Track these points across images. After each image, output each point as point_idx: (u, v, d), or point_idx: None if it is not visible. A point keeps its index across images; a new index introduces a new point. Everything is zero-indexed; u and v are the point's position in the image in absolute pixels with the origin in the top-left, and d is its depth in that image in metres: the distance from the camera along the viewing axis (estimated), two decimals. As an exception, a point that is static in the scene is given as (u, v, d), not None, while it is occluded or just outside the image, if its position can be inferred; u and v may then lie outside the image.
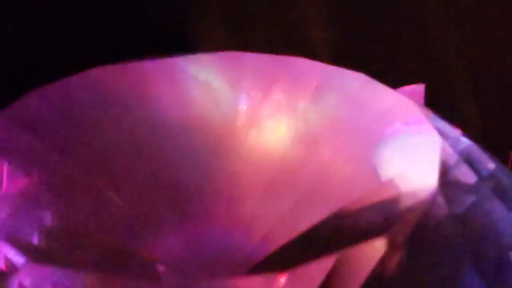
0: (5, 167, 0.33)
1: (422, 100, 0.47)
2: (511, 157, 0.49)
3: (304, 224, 0.32)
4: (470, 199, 0.32)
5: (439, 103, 0.49)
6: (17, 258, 0.31)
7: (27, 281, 0.31)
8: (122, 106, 0.35)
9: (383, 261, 0.30)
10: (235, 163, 0.35)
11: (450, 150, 0.33)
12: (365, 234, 0.31)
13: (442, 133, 0.34)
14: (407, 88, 0.46)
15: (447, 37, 0.50)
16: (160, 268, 0.31)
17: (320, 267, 0.30)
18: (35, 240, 0.32)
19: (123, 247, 0.32)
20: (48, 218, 0.32)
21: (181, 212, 0.33)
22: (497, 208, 0.32)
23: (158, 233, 0.33)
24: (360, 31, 0.50)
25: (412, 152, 0.33)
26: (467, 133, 0.48)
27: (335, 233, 0.32)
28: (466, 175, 0.33)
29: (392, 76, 0.49)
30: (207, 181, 0.34)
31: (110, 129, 0.35)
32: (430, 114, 0.36)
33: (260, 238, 0.33)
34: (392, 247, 0.31)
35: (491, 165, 0.34)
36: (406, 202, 0.32)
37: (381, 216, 0.31)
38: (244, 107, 0.37)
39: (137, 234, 0.33)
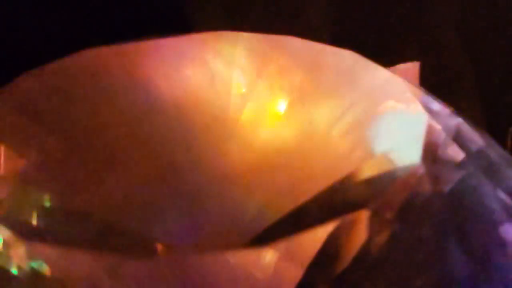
0: (2, 149, 0.33)
1: (416, 78, 0.47)
2: (510, 133, 0.49)
3: (298, 199, 0.33)
4: (456, 176, 0.33)
5: (436, 82, 0.49)
6: (15, 238, 0.32)
7: (25, 261, 0.31)
8: (116, 86, 0.36)
9: (371, 236, 0.31)
10: (229, 141, 0.36)
11: (437, 128, 0.34)
12: (354, 209, 0.31)
13: (431, 111, 0.35)
14: (402, 66, 0.46)
15: (444, 15, 0.50)
16: (158, 246, 0.32)
17: (311, 241, 0.31)
18: (33, 220, 0.32)
19: (120, 226, 0.33)
20: (45, 199, 0.33)
21: (176, 191, 0.34)
22: (484, 184, 0.33)
23: (154, 212, 0.33)
24: (356, 11, 0.50)
25: (399, 130, 0.34)
26: (465, 111, 0.48)
27: (326, 208, 0.32)
28: (454, 152, 0.34)
29: (389, 55, 0.49)
30: (201, 160, 0.35)
31: (105, 110, 0.35)
32: (421, 92, 0.36)
33: (254, 214, 0.33)
34: (380, 222, 0.31)
35: (480, 141, 0.35)
36: (393, 179, 0.32)
37: (370, 192, 0.32)
38: (238, 85, 0.37)
39: (133, 213, 0.33)
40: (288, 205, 0.33)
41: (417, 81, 0.47)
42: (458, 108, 0.46)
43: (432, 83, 0.47)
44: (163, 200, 0.34)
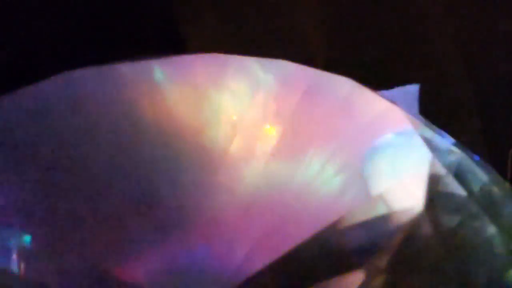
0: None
1: (416, 101, 0.45)
2: (510, 156, 0.47)
3: (289, 242, 0.31)
4: (457, 218, 0.31)
5: (436, 103, 0.48)
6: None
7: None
8: (97, 114, 0.34)
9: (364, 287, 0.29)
10: (217, 174, 0.34)
11: (439, 165, 0.32)
12: (348, 257, 0.29)
13: (432, 145, 0.33)
14: (401, 89, 0.44)
15: (444, 36, 0.49)
16: None
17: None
18: (7, 261, 0.30)
19: (99, 268, 0.31)
20: (21, 239, 0.31)
21: (159, 229, 0.32)
22: (487, 226, 0.31)
23: (135, 252, 0.31)
24: (354, 30, 0.48)
25: (400, 167, 0.32)
26: (466, 133, 0.47)
27: (319, 256, 0.30)
28: (455, 191, 0.32)
29: (387, 77, 0.48)
30: (186, 194, 0.33)
31: (86, 140, 0.33)
32: (421, 122, 0.34)
33: (242, 257, 0.31)
34: (374, 272, 0.29)
35: (483, 177, 0.33)
36: (391, 223, 0.30)
37: (366, 237, 0.30)
38: (228, 112, 0.35)
39: (114, 253, 0.31)
40: (277, 250, 0.31)
41: (416, 104, 0.45)
42: (458, 130, 0.45)
43: (432, 105, 0.46)
44: (145, 239, 0.32)
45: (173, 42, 0.46)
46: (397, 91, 0.45)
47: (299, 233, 0.31)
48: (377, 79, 0.44)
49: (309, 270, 0.30)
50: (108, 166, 0.33)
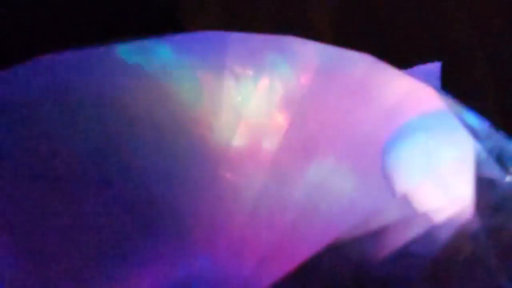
0: None
1: (438, 80, 0.42)
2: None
3: (302, 250, 0.26)
4: (505, 209, 0.26)
5: (451, 86, 0.44)
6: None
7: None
8: (81, 105, 0.30)
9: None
10: (219, 171, 0.29)
11: (482, 151, 0.27)
12: (365, 274, 0.24)
13: (470, 128, 0.28)
14: (422, 67, 0.41)
15: (460, 19, 0.45)
16: None
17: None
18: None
19: (92, 283, 0.27)
20: (7, 262, 0.27)
21: (156, 240, 0.28)
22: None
23: (130, 268, 0.27)
24: (368, 8, 0.45)
25: (435, 159, 0.27)
26: (487, 113, 0.43)
27: (335, 268, 0.25)
28: (499, 178, 0.27)
29: (404, 54, 0.44)
30: (186, 197, 0.28)
31: (69, 134, 0.29)
32: (454, 103, 0.30)
33: (252, 269, 0.27)
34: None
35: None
36: (424, 227, 0.25)
37: (390, 244, 0.25)
38: (230, 98, 0.31)
39: (105, 266, 0.27)
40: (289, 261, 0.26)
41: (439, 84, 0.42)
42: (480, 113, 0.42)
43: (447, 88, 0.43)
44: (140, 253, 0.27)
45: (170, 24, 0.43)
46: (418, 70, 0.41)
47: (311, 240, 0.27)
48: (391, 63, 0.41)
49: (323, 283, 0.25)
50: (95, 165, 0.29)
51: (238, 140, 0.30)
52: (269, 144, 0.30)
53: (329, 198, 0.27)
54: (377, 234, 0.25)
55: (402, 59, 0.42)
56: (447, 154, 0.27)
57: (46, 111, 0.29)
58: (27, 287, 0.26)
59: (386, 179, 0.27)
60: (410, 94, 0.29)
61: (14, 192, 0.28)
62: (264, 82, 0.31)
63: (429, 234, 0.25)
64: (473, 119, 0.29)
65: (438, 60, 0.43)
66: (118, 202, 0.28)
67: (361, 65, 0.31)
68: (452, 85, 0.44)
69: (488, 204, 0.26)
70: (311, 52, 0.31)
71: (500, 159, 0.27)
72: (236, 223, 0.28)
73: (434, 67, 0.41)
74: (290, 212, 0.28)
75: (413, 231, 0.25)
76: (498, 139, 0.28)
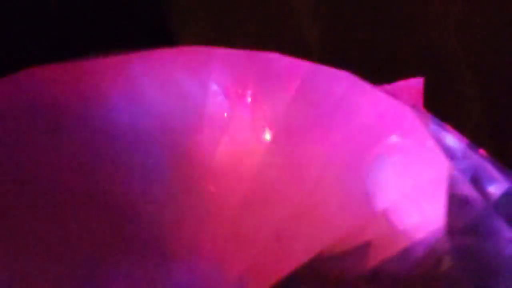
0: None
1: (421, 95, 0.42)
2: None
3: (284, 263, 0.27)
4: (477, 233, 0.27)
5: (437, 98, 0.45)
6: None
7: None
8: (66, 116, 0.30)
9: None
10: (202, 182, 0.30)
11: (456, 171, 0.27)
12: (349, 284, 0.25)
13: (445, 148, 0.28)
14: (404, 82, 0.41)
15: (444, 29, 0.46)
16: None
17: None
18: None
19: None
20: None
21: (139, 247, 0.28)
22: (508, 241, 0.27)
23: (113, 276, 0.27)
24: (353, 20, 0.45)
25: (409, 175, 0.28)
26: (471, 129, 0.44)
27: (315, 282, 0.26)
28: (473, 201, 0.27)
29: (388, 70, 0.44)
30: (169, 205, 0.29)
31: (51, 146, 0.29)
32: (431, 121, 0.30)
33: (233, 283, 0.27)
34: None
35: (503, 182, 0.28)
36: (399, 244, 0.26)
37: (368, 262, 0.26)
38: (214, 111, 0.31)
39: (88, 278, 0.27)
40: (271, 275, 0.27)
41: (421, 98, 0.42)
42: (464, 128, 0.42)
43: (433, 100, 0.43)
44: (123, 261, 0.28)
45: (159, 36, 0.43)
46: (400, 85, 0.42)
47: (293, 257, 0.27)
48: (375, 74, 0.42)
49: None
50: (77, 176, 0.29)
51: (222, 154, 0.30)
52: (252, 159, 0.30)
53: (311, 214, 0.28)
54: (356, 251, 0.26)
55: (386, 74, 0.43)
56: (422, 175, 0.27)
57: (32, 123, 0.30)
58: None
59: (366, 197, 0.27)
60: (389, 113, 0.30)
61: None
62: (247, 98, 0.31)
63: (404, 253, 0.26)
64: (450, 138, 0.29)
65: (422, 75, 0.43)
66: (99, 213, 0.28)
67: (341, 82, 0.31)
68: (436, 101, 0.44)
69: (461, 225, 0.27)
70: (293, 69, 0.32)
71: (475, 179, 0.28)
72: (218, 236, 0.28)
73: (416, 83, 0.41)
74: (272, 227, 0.28)
75: (390, 250, 0.26)
76: (475, 158, 0.29)
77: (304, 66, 0.32)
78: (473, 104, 0.46)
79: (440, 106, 0.43)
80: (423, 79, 0.42)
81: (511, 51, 0.46)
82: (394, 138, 0.29)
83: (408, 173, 0.28)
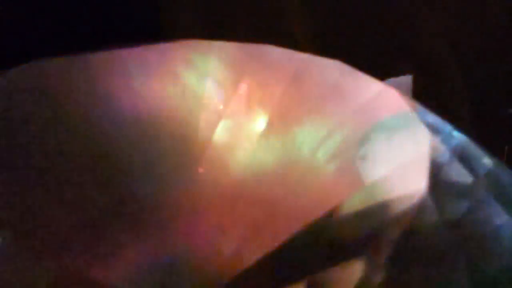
0: None
1: (409, 92, 0.43)
2: (506, 152, 0.45)
3: (279, 236, 0.28)
4: (465, 204, 0.28)
5: (426, 97, 0.46)
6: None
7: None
8: (70, 105, 0.31)
9: (364, 280, 0.26)
10: (199, 166, 0.30)
11: (441, 147, 0.28)
12: (343, 251, 0.26)
13: (432, 128, 0.29)
14: (393, 80, 0.42)
15: (433, 28, 0.47)
16: None
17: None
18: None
19: (74, 272, 0.28)
20: None
21: (137, 228, 0.29)
22: (496, 213, 0.28)
23: (111, 253, 0.28)
24: (341, 21, 0.46)
25: (398, 151, 0.29)
26: (460, 125, 0.44)
27: (312, 250, 0.27)
28: (460, 176, 0.28)
29: (377, 69, 0.45)
30: (166, 190, 0.30)
31: (55, 133, 0.30)
32: (418, 106, 0.31)
33: (228, 256, 0.28)
34: (372, 266, 0.26)
35: (488, 162, 0.29)
36: (390, 211, 0.27)
37: (363, 228, 0.27)
38: (211, 101, 0.32)
39: (89, 255, 0.28)
40: (268, 244, 0.28)
41: (409, 95, 0.43)
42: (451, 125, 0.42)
43: (422, 99, 0.44)
44: (122, 240, 0.28)
45: (154, 31, 0.44)
46: (389, 82, 0.43)
47: (290, 226, 0.28)
48: (365, 72, 0.42)
49: (302, 262, 0.27)
50: (80, 161, 0.30)
51: (217, 138, 0.31)
52: (247, 142, 0.31)
53: (306, 190, 0.29)
54: (349, 219, 0.27)
55: (375, 72, 0.44)
56: (410, 151, 0.28)
57: (34, 109, 0.31)
58: (12, 260, 0.27)
59: (358, 171, 0.28)
60: (379, 96, 0.31)
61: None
62: (243, 88, 0.32)
63: (391, 221, 0.27)
64: (437, 120, 0.30)
65: (411, 73, 0.44)
66: (101, 195, 0.29)
67: (333, 71, 0.32)
68: (423, 100, 0.45)
69: (450, 198, 0.28)
70: (287, 59, 0.33)
71: (462, 156, 0.29)
72: (215, 213, 0.29)
73: (405, 80, 0.42)
74: (268, 205, 0.29)
75: (379, 219, 0.27)
76: (461, 138, 0.30)
77: (297, 56, 0.33)
78: (460, 103, 0.47)
79: (427, 105, 0.43)
80: (412, 77, 0.43)
81: (500, 51, 0.47)
82: (384, 119, 0.30)
83: (397, 150, 0.29)
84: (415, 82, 0.44)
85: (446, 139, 0.29)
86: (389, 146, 0.29)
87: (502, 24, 0.47)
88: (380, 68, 0.45)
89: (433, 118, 0.31)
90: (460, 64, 0.47)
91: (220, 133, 0.31)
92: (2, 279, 0.27)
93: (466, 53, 0.47)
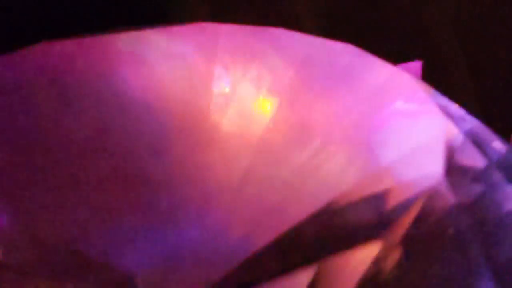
0: None
1: (419, 78, 0.43)
2: (512, 140, 0.45)
3: (289, 221, 0.27)
4: (479, 187, 0.27)
5: (435, 83, 0.45)
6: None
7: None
8: (78, 87, 0.30)
9: (376, 264, 0.25)
10: (209, 151, 0.30)
11: (455, 131, 0.28)
12: (355, 234, 0.25)
13: (445, 112, 0.29)
14: (403, 65, 0.42)
15: (442, 21, 0.46)
16: (128, 279, 0.26)
17: (302, 278, 0.25)
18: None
19: (89, 257, 0.27)
20: (3, 228, 0.27)
21: (149, 211, 0.28)
22: (509, 196, 0.27)
23: (121, 235, 0.28)
24: (352, 7, 0.46)
25: (413, 134, 0.28)
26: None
27: (322, 234, 0.26)
28: (474, 159, 0.28)
29: (387, 55, 0.45)
30: (178, 173, 0.29)
31: (65, 114, 0.30)
32: (431, 90, 0.31)
33: (238, 239, 0.28)
34: (386, 248, 0.25)
35: (501, 146, 0.29)
36: (405, 194, 0.27)
37: (375, 212, 0.26)
38: (220, 84, 0.31)
39: (99, 238, 0.28)
40: (278, 228, 0.27)
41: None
42: None
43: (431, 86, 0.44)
44: (133, 225, 0.28)
45: (162, 14, 0.43)
46: (399, 68, 0.42)
47: (300, 212, 0.27)
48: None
49: (312, 247, 0.26)
50: (90, 142, 0.29)
51: (227, 122, 0.31)
52: (257, 126, 0.31)
53: (317, 173, 0.28)
54: (362, 203, 0.26)
55: (385, 60, 0.43)
56: (425, 134, 0.28)
57: (44, 92, 0.30)
58: (19, 247, 0.27)
59: (372, 154, 0.28)
60: (392, 80, 0.30)
61: (6, 158, 0.29)
62: (252, 71, 0.32)
63: (405, 204, 0.26)
64: (450, 104, 0.30)
65: (420, 60, 0.43)
66: (110, 175, 0.29)
67: (345, 54, 0.32)
68: (433, 85, 0.45)
69: (464, 182, 0.27)
70: (297, 43, 0.32)
71: (476, 140, 0.28)
72: (224, 197, 0.28)
73: (414, 66, 0.42)
74: (277, 188, 0.29)
75: (393, 202, 0.26)
76: (475, 122, 0.29)
77: (307, 40, 0.33)
78: (467, 92, 0.46)
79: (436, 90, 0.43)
80: (422, 63, 0.42)
81: (506, 41, 0.46)
82: (398, 103, 0.29)
83: (412, 133, 0.28)
84: (423, 70, 0.44)
85: (459, 123, 0.29)
86: (403, 128, 0.28)
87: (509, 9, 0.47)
88: (388, 56, 0.45)
89: (446, 101, 0.30)
90: (467, 57, 0.46)
91: (230, 117, 0.31)
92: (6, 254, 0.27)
93: (473, 45, 0.46)
